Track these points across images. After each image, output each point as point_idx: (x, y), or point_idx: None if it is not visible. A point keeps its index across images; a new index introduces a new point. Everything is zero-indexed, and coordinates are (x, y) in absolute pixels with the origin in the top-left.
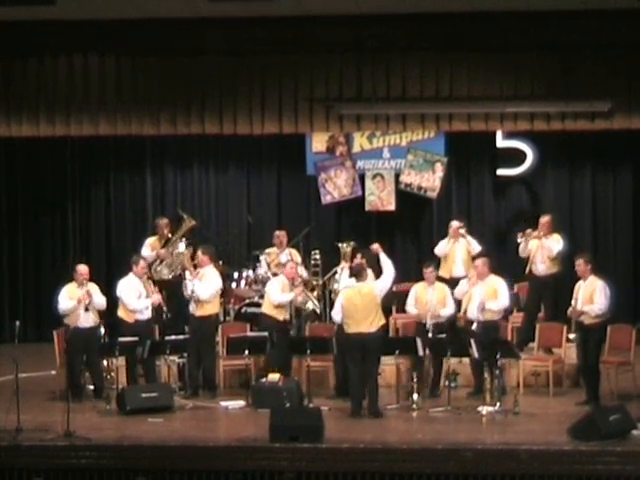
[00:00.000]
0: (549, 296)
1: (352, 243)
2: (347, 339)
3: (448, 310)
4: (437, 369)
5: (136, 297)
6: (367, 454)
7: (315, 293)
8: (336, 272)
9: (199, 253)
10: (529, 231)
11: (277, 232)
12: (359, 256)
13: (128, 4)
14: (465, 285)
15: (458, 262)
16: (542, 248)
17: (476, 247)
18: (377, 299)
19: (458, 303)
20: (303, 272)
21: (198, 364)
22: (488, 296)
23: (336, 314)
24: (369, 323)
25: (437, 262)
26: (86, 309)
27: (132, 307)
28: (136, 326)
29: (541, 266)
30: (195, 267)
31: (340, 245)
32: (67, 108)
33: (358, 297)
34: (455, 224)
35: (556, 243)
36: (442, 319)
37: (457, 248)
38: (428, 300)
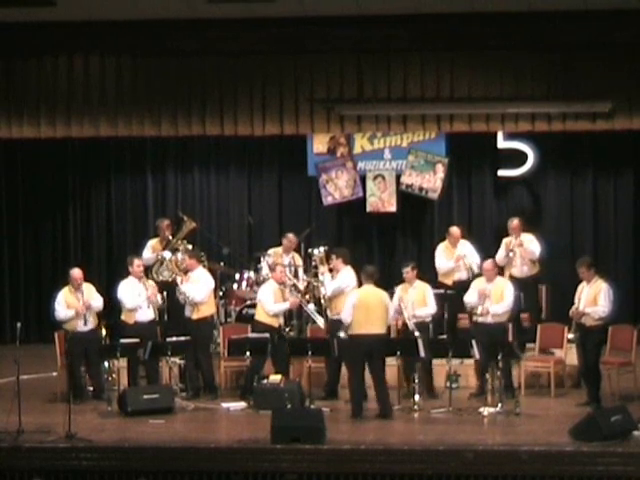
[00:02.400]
0: (531, 298)
1: (324, 248)
2: (352, 341)
3: (427, 310)
4: (426, 370)
5: (135, 296)
6: (369, 455)
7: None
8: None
9: (185, 258)
10: (511, 243)
11: (290, 235)
12: (334, 257)
13: (128, 4)
14: (474, 296)
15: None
16: (523, 251)
17: (476, 269)
18: (387, 303)
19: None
20: (303, 276)
21: (197, 366)
22: (495, 299)
23: (347, 315)
24: (382, 323)
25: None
26: (85, 322)
27: (130, 305)
28: (137, 327)
29: (524, 268)
30: (186, 272)
31: (312, 252)
32: (67, 109)
33: (371, 297)
34: (455, 231)
35: (531, 244)
36: (421, 318)
37: (456, 253)
38: (407, 300)
